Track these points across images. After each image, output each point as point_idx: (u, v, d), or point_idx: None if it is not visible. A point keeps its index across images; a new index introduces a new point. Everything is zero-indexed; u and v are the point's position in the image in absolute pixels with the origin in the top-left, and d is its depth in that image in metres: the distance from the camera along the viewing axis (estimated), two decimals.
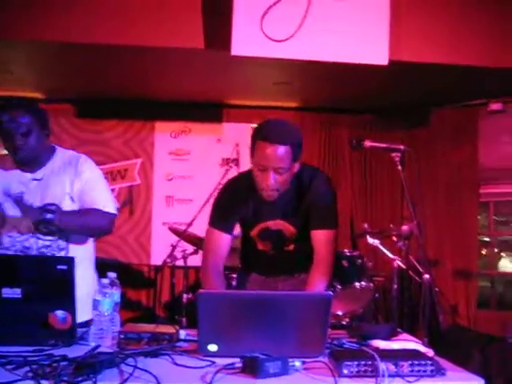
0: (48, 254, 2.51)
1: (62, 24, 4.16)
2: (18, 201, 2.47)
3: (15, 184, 2.56)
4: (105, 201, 2.61)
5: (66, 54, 4.74)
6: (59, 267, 1.92)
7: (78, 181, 2.58)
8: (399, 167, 2.37)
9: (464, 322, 5.68)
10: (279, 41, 4.03)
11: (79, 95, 5.89)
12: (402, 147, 2.42)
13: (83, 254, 2.60)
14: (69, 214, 2.52)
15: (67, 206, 2.55)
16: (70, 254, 2.53)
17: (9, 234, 2.52)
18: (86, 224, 2.55)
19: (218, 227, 2.55)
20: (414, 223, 2.32)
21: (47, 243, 2.54)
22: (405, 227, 2.34)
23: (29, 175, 2.58)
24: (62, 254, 2.55)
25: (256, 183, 2.42)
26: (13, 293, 1.91)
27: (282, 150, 2.30)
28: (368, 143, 2.45)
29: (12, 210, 2.52)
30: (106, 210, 2.59)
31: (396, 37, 4.23)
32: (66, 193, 2.56)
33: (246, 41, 4.00)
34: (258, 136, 2.35)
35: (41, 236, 2.52)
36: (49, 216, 2.40)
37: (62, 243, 2.56)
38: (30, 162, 2.55)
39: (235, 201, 2.54)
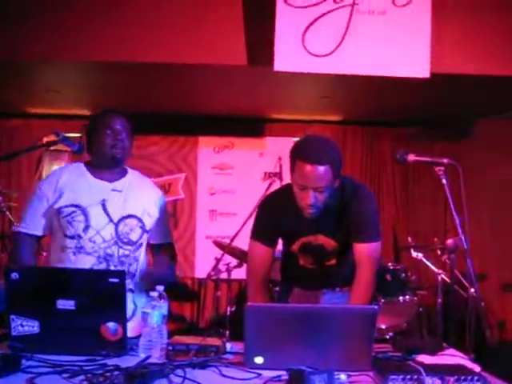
0: (126, 263, 2.60)
1: (106, 45, 4.31)
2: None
3: (94, 190, 2.61)
4: (169, 234, 2.84)
5: (110, 73, 4.89)
6: (111, 280, 1.99)
7: (153, 203, 2.72)
8: (444, 181, 2.36)
9: None
10: (321, 56, 4.07)
11: (124, 111, 6.04)
12: (445, 161, 2.40)
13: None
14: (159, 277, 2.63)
15: (146, 220, 2.67)
16: (140, 266, 2.67)
17: (92, 239, 2.56)
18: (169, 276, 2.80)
19: (260, 240, 2.58)
20: (460, 237, 2.30)
21: (127, 252, 2.61)
22: (450, 241, 2.32)
23: (107, 184, 2.64)
24: (135, 265, 2.65)
25: (296, 201, 2.42)
26: (67, 304, 1.98)
27: (321, 169, 2.29)
28: (412, 157, 2.44)
29: (95, 216, 2.58)
30: (169, 240, 2.82)
31: (437, 49, 4.22)
32: (145, 209, 2.67)
33: (288, 56, 4.06)
34: (297, 156, 2.34)
35: (122, 245, 2.60)
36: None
37: (138, 254, 2.67)
38: (119, 162, 2.66)
39: (276, 214, 2.55)
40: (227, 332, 4.70)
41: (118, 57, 4.35)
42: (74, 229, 2.55)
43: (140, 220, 2.64)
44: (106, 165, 2.65)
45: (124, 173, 2.73)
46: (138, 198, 2.67)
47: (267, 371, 1.79)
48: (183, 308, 6.11)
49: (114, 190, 2.64)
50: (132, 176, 2.75)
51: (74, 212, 2.57)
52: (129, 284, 2.49)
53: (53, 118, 6.11)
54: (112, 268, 2.53)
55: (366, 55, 4.11)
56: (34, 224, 2.64)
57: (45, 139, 2.52)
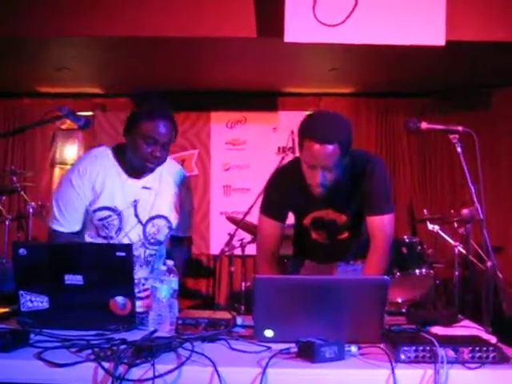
0: (152, 261, 2.64)
1: (116, 19, 4.26)
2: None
3: (127, 191, 2.53)
4: (191, 227, 2.78)
5: (121, 49, 4.85)
6: (118, 254, 1.97)
7: (181, 195, 2.65)
8: (458, 149, 2.30)
9: None
10: (332, 26, 3.97)
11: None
12: (460, 128, 2.34)
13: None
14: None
15: (173, 218, 2.63)
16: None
17: (121, 241, 2.54)
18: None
19: (269, 214, 2.55)
20: (475, 206, 2.24)
21: (153, 252, 2.63)
22: (465, 211, 2.26)
23: (138, 182, 2.56)
24: (161, 261, 2.65)
25: (305, 178, 2.38)
26: (75, 279, 1.97)
27: (329, 148, 2.23)
28: (425, 125, 2.38)
29: (127, 218, 2.54)
30: (189, 234, 2.79)
31: (452, 16, 4.10)
32: (174, 205, 2.62)
33: (298, 27, 3.97)
34: (305, 134, 2.28)
35: (149, 246, 2.61)
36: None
37: (162, 249, 2.69)
38: (149, 172, 2.54)
39: (285, 189, 2.52)
40: (243, 307, 4.70)
41: (130, 32, 4.31)
42: (108, 230, 2.54)
43: (167, 220, 2.60)
44: (137, 168, 2.52)
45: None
46: (167, 193, 2.60)
47: (277, 344, 1.76)
48: (199, 284, 6.12)
49: (144, 188, 2.56)
50: (164, 166, 2.59)
51: (109, 216, 2.52)
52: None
53: (64, 96, 6.08)
54: (137, 268, 2.53)
55: (380, 24, 4.00)
56: (71, 221, 2.54)
57: (50, 115, 2.49)
